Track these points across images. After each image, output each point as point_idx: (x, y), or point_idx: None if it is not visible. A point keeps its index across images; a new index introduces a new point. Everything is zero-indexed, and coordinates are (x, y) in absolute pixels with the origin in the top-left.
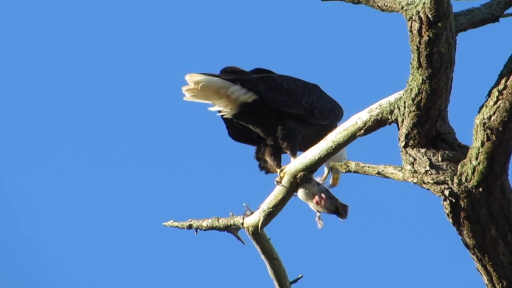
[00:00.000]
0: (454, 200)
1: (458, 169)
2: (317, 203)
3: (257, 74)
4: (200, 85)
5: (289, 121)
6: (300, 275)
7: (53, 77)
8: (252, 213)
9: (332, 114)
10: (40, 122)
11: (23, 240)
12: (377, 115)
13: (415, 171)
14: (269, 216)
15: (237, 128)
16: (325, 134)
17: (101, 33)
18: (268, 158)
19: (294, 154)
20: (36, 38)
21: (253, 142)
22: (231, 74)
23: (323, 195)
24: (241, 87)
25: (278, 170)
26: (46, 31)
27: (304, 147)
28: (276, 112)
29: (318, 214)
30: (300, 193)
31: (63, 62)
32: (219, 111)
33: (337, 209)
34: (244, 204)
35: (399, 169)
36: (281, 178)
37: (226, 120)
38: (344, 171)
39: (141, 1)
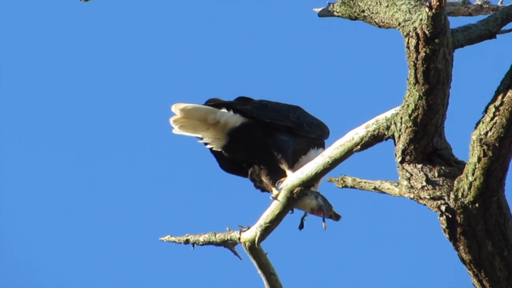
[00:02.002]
0: (450, 216)
1: (455, 185)
2: (315, 214)
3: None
4: (186, 110)
5: (279, 135)
6: None
7: (52, 82)
8: (248, 228)
9: (319, 129)
10: (36, 132)
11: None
12: (374, 130)
13: (412, 187)
14: (266, 231)
15: (227, 159)
16: (314, 148)
17: (101, 36)
18: (264, 178)
19: (289, 167)
20: (33, 41)
21: (245, 173)
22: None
23: (321, 208)
24: (227, 110)
25: (274, 188)
26: (42, 36)
27: (295, 161)
28: (265, 129)
29: (306, 215)
30: (299, 205)
31: (64, 65)
32: (208, 143)
33: (331, 217)
34: (238, 225)
35: (396, 184)
36: (277, 195)
37: (215, 152)
38: (341, 186)
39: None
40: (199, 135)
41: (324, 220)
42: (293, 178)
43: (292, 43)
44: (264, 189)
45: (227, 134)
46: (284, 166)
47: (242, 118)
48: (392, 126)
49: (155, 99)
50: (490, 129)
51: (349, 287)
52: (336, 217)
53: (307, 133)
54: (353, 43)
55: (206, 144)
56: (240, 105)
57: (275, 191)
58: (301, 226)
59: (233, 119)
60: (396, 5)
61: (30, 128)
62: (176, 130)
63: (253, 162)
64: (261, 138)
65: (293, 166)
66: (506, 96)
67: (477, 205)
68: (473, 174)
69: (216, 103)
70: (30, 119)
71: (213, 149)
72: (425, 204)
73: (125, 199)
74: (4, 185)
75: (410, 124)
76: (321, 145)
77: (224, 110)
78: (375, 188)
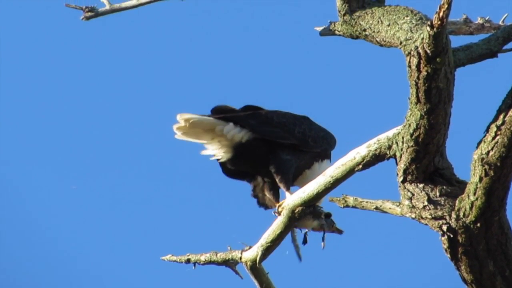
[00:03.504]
0: (452, 236)
1: (456, 205)
2: (317, 231)
3: (247, 111)
4: (190, 121)
5: (282, 154)
6: None
7: (56, 92)
8: (250, 247)
9: (325, 141)
10: (40, 146)
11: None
12: (376, 150)
13: (413, 206)
14: (267, 250)
15: (231, 167)
16: (319, 161)
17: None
18: (267, 193)
19: (288, 188)
20: (32, 43)
21: (247, 177)
22: (221, 114)
23: (322, 227)
24: (234, 125)
25: (277, 204)
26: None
27: (299, 176)
28: (270, 146)
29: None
30: (300, 224)
31: (65, 76)
32: (213, 155)
33: (334, 232)
34: (242, 243)
35: (397, 204)
36: (279, 212)
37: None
38: (342, 206)
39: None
40: (203, 143)
41: (323, 239)
42: (294, 197)
43: (294, 62)
44: (267, 207)
45: (232, 148)
46: (283, 187)
47: (248, 134)
48: (394, 146)
49: (160, 108)
50: (492, 149)
51: None
52: (339, 231)
53: (311, 148)
54: (354, 62)
55: (212, 156)
56: (246, 117)
57: (277, 210)
58: (304, 241)
59: (240, 134)
60: (398, 24)
61: (35, 141)
62: (179, 136)
63: (258, 175)
64: (266, 154)
65: (297, 179)
66: (508, 115)
67: (478, 225)
68: (474, 194)
69: (223, 115)
70: (36, 130)
71: (219, 161)
72: (426, 224)
73: (126, 217)
74: (5, 189)
75: (411, 143)
76: (327, 157)
77: (230, 124)
78: (376, 208)
